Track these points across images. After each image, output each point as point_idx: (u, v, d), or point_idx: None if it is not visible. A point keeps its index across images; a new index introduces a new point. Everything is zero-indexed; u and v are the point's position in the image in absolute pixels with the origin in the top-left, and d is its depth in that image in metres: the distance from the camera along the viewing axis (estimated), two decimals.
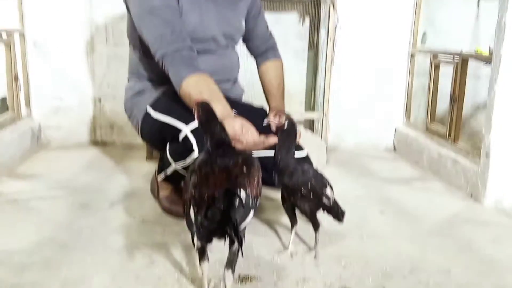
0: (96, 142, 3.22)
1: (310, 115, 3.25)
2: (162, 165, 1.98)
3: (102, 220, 1.96)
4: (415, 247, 1.79)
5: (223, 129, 1.44)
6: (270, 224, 1.95)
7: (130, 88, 2.11)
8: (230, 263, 1.27)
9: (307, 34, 3.27)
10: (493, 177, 2.21)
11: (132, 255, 1.65)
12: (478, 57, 2.67)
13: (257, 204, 1.35)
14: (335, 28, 2.97)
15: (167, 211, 2.02)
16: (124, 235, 1.82)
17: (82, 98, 3.17)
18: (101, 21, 3.08)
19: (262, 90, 2.23)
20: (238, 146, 1.57)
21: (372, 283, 1.51)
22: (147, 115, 1.98)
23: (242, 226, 1.26)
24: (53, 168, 2.66)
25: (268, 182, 1.68)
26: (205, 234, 1.20)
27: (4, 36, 2.78)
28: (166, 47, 1.81)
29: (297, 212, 1.68)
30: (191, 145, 1.78)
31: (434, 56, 2.90)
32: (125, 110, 2.14)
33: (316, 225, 1.66)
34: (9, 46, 2.80)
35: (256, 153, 1.66)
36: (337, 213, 1.66)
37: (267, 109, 2.18)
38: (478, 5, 3.39)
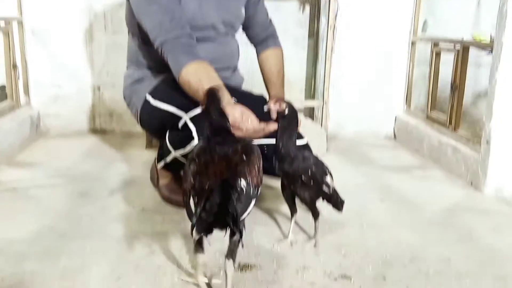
0: (95, 130, 3.21)
1: (310, 103, 3.24)
2: (162, 153, 1.97)
3: (101, 208, 1.95)
4: (415, 235, 1.79)
5: (224, 116, 1.42)
6: (270, 213, 1.95)
7: (129, 76, 2.10)
8: (231, 253, 1.27)
9: (307, 22, 3.25)
10: (494, 165, 2.20)
11: (132, 244, 1.64)
12: (480, 45, 2.65)
13: (258, 192, 1.34)
14: (336, 15, 2.95)
15: (167, 199, 2.02)
16: (123, 224, 1.81)
17: (81, 86, 3.16)
18: (100, 8, 3.06)
19: (262, 78, 2.21)
20: (238, 133, 1.56)
21: (372, 272, 1.51)
22: (146, 103, 1.97)
23: (243, 216, 1.25)
24: (52, 156, 2.65)
25: (268, 170, 1.68)
26: (204, 226, 1.20)
27: (2, 24, 2.76)
28: (165, 34, 1.80)
29: (297, 201, 1.67)
30: (191, 133, 1.77)
31: (435, 44, 2.88)
32: (124, 98, 2.13)
33: (316, 214, 1.65)
34: (7, 34, 2.78)
35: (257, 141, 1.65)
36: (336, 202, 1.66)
37: (267, 97, 2.17)
38: None
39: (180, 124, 1.81)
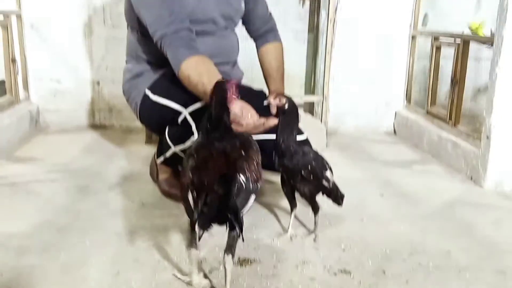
0: (95, 126, 3.21)
1: (310, 98, 3.23)
2: (161, 148, 1.97)
3: (101, 203, 1.95)
4: (415, 230, 1.79)
5: (226, 110, 1.41)
6: (270, 208, 1.94)
7: (129, 71, 2.09)
8: (230, 248, 1.26)
9: (307, 16, 3.24)
10: (494, 160, 2.20)
11: (131, 239, 1.64)
12: (480, 39, 2.64)
13: (258, 187, 1.33)
14: (336, 9, 2.94)
15: (166, 194, 2.02)
16: (123, 218, 1.81)
17: (81, 81, 3.15)
18: (99, 2, 3.05)
19: (261, 73, 2.21)
20: (238, 128, 1.56)
21: (372, 266, 1.51)
22: (145, 98, 1.96)
23: (243, 211, 1.25)
24: (52, 151, 2.65)
25: (268, 165, 1.68)
26: (207, 221, 1.19)
27: (1, 18, 2.75)
28: (165, 28, 1.79)
29: (297, 195, 1.67)
30: (190, 128, 1.77)
31: (435, 38, 2.88)
32: (124, 92, 2.12)
33: (315, 208, 1.65)
34: (6, 28, 2.77)
35: (257, 136, 1.64)
36: (336, 196, 1.66)
37: (267, 92, 2.16)
38: None
39: (180, 119, 1.81)
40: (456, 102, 2.61)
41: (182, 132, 1.82)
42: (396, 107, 3.31)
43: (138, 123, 2.30)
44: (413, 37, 3.18)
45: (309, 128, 2.13)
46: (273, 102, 1.57)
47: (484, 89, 3.19)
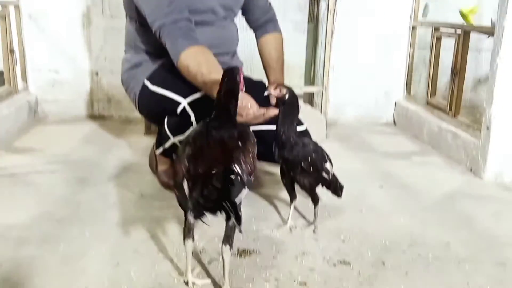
0: (94, 116, 3.20)
1: (310, 88, 3.22)
2: (160, 139, 1.96)
3: (100, 194, 1.95)
4: (415, 221, 1.79)
5: (232, 99, 1.40)
6: (269, 199, 1.94)
7: (127, 61, 2.07)
8: (228, 238, 1.26)
9: (307, 6, 3.22)
10: (494, 151, 2.20)
11: (131, 230, 1.64)
12: (481, 30, 2.63)
13: (251, 181, 1.32)
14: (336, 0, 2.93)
15: (166, 185, 2.02)
16: (122, 209, 1.81)
17: (79, 71, 3.14)
18: None
19: (261, 64, 2.19)
20: (238, 119, 1.55)
21: (371, 257, 1.51)
22: (144, 88, 1.95)
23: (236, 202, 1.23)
24: (51, 142, 2.64)
25: (267, 156, 1.67)
26: (201, 211, 1.19)
27: None
28: (163, 18, 1.77)
29: (296, 187, 1.67)
30: (189, 118, 1.76)
31: (436, 28, 2.86)
32: (122, 83, 2.11)
33: (315, 200, 1.65)
34: (4, 18, 2.75)
35: (256, 127, 1.64)
36: (335, 188, 1.66)
37: (267, 83, 2.15)
38: None
39: (179, 109, 1.80)
40: (456, 92, 2.61)
41: (181, 123, 1.81)
42: (396, 97, 3.30)
43: (137, 114, 2.29)
44: (414, 28, 3.16)
45: (308, 119, 2.12)
46: (273, 93, 1.56)
47: (484, 80, 3.18)
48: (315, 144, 1.63)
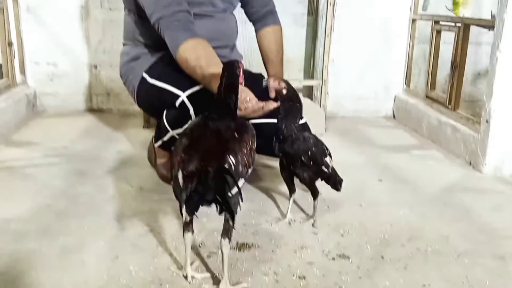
0: (93, 109, 3.19)
1: (309, 82, 3.21)
2: (159, 132, 1.96)
3: (99, 187, 1.95)
4: (414, 215, 1.79)
5: (232, 92, 1.39)
6: (268, 192, 1.94)
7: (126, 53, 2.06)
8: (226, 232, 1.26)
9: None
10: (493, 144, 2.19)
11: (129, 223, 1.64)
12: (480, 22, 2.62)
13: (248, 172, 1.32)
14: None
15: (164, 178, 2.01)
16: (121, 202, 1.81)
17: (78, 64, 3.13)
18: None
19: (260, 57, 2.18)
20: (238, 112, 1.55)
21: (371, 251, 1.51)
22: (143, 81, 1.94)
23: (231, 193, 1.22)
24: (49, 135, 2.63)
25: (266, 150, 1.67)
26: (194, 206, 1.18)
27: None
28: (162, 10, 1.76)
29: (296, 181, 1.67)
30: (188, 111, 1.75)
31: (436, 22, 2.85)
32: (121, 76, 2.10)
33: (315, 193, 1.65)
34: (2, 11, 2.74)
35: (256, 120, 1.63)
36: (335, 182, 1.66)
37: (266, 76, 2.14)
38: None
39: (178, 102, 1.79)
40: (456, 86, 2.60)
41: (179, 116, 1.81)
42: (395, 91, 3.29)
43: (136, 107, 2.29)
44: (413, 21, 3.15)
45: (308, 112, 2.11)
46: (272, 84, 1.56)
47: (484, 73, 3.18)
48: (315, 138, 1.63)
